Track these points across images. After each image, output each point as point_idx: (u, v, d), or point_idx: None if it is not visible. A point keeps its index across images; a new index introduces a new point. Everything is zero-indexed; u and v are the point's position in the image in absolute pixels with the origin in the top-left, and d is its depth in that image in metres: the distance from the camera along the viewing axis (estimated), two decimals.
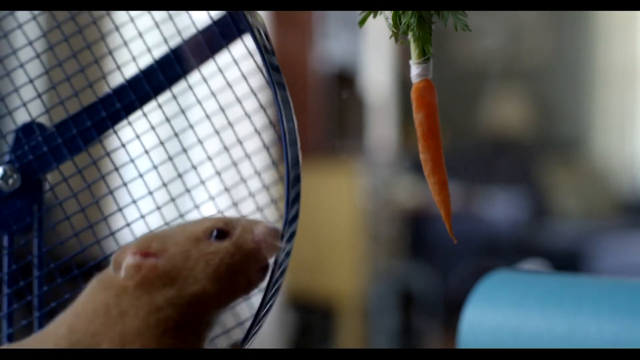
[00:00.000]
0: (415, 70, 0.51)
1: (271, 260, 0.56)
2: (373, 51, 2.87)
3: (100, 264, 0.65)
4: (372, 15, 0.51)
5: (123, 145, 0.67)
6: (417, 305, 2.68)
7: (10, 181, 0.61)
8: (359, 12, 0.53)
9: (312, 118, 2.65)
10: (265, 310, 0.58)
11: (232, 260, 0.54)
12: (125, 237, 0.65)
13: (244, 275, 0.54)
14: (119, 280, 0.54)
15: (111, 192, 0.66)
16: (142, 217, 0.66)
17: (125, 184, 0.67)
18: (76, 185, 0.66)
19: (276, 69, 0.60)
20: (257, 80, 0.67)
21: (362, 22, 0.51)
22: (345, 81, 2.85)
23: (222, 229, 0.55)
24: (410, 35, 0.50)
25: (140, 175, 0.66)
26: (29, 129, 0.63)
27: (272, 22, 2.42)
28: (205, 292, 0.54)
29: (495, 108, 3.52)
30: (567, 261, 2.81)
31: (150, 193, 0.66)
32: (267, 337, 2.27)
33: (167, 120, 0.68)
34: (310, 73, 2.70)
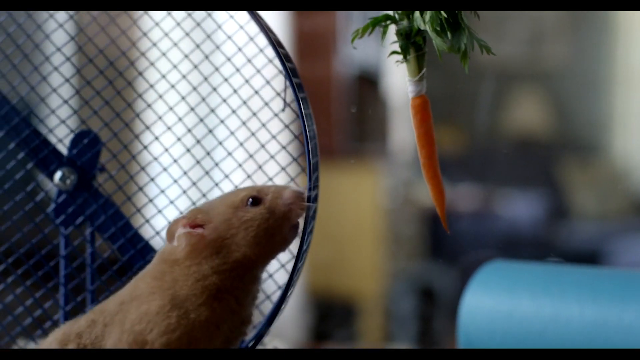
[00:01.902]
0: (413, 87, 0.58)
1: (301, 220, 0.64)
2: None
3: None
4: (359, 35, 0.57)
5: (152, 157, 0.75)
6: (437, 304, 2.71)
7: (68, 181, 0.70)
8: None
9: (334, 121, 2.70)
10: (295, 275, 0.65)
11: (268, 224, 0.63)
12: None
13: (278, 234, 0.63)
14: (172, 254, 0.63)
15: (152, 179, 0.74)
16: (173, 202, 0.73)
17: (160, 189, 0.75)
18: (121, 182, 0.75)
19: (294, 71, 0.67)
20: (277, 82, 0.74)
21: (353, 40, 0.58)
22: (367, 84, 2.89)
23: (255, 196, 0.63)
24: (410, 55, 0.57)
25: (175, 181, 0.75)
26: (83, 135, 0.71)
27: (295, 25, 2.46)
28: (246, 257, 0.62)
29: (515, 110, 3.55)
30: (586, 261, 2.82)
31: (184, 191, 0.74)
32: (288, 334, 2.31)
33: (201, 120, 0.76)
34: (333, 76, 2.74)
